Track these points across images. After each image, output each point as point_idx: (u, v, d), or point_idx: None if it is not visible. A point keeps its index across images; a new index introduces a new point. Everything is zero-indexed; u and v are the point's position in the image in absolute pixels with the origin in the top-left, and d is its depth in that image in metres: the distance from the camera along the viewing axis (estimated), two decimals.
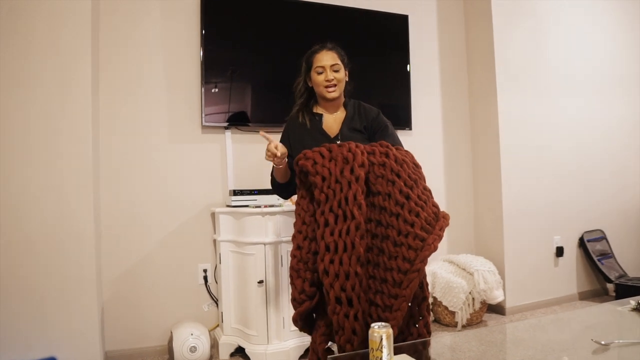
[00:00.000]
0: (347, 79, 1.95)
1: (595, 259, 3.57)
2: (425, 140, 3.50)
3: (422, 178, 1.69)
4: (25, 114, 2.18)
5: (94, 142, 2.38)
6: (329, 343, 1.65)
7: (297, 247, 1.66)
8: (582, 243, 3.63)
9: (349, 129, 1.90)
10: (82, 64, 2.29)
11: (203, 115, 2.78)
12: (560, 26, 3.63)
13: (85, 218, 2.27)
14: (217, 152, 2.89)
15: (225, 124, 2.86)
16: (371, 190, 1.63)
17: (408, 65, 3.36)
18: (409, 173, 1.63)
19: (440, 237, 1.54)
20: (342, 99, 1.97)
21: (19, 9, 2.17)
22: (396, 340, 1.48)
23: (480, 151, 3.58)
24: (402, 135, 3.36)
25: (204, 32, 2.78)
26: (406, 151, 1.74)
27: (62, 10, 2.25)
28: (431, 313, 3.11)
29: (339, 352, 1.54)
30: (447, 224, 1.59)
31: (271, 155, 1.75)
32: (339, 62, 1.88)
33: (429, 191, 1.66)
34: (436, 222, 1.56)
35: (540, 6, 3.55)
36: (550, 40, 3.59)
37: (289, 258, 1.75)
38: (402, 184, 1.59)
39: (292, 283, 1.66)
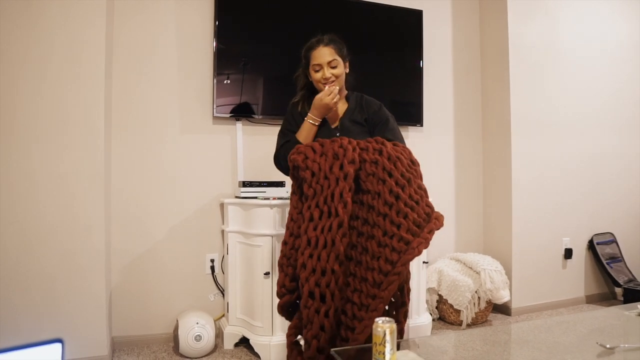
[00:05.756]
0: (348, 71, 1.91)
1: (605, 262, 3.54)
2: (436, 137, 3.48)
3: (418, 176, 1.65)
4: (39, 104, 2.20)
5: (106, 132, 2.40)
6: (298, 337, 1.68)
7: (284, 243, 1.71)
8: (591, 246, 3.60)
9: (350, 120, 1.88)
10: (96, 53, 2.30)
11: (214, 107, 2.79)
12: (575, 22, 3.58)
13: (96, 206, 2.29)
14: (227, 143, 2.90)
15: (237, 116, 2.86)
16: (361, 188, 1.62)
17: (421, 61, 3.34)
18: (402, 171, 1.60)
19: (426, 241, 1.49)
20: (344, 92, 1.94)
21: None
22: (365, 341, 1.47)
23: (492, 149, 3.55)
24: (413, 132, 3.38)
25: (217, 22, 2.78)
26: (403, 147, 1.71)
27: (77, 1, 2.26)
28: (436, 311, 3.11)
29: (305, 346, 1.56)
30: (439, 226, 1.54)
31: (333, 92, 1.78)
32: (337, 56, 1.84)
33: (424, 190, 1.62)
34: (427, 223, 1.53)
35: (556, 2, 3.50)
36: (566, 37, 3.53)
37: None
38: (394, 183, 1.56)
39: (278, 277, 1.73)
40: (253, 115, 2.89)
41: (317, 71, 1.85)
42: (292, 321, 1.70)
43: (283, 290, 1.68)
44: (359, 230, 1.59)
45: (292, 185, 1.72)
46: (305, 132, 1.85)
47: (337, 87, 1.81)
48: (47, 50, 2.21)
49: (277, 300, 2.41)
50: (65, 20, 2.24)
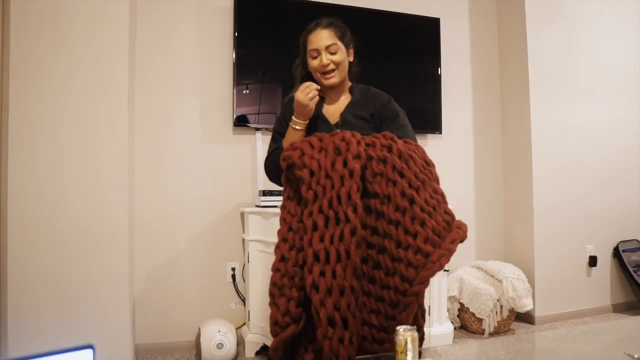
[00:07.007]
0: (352, 59, 1.68)
1: (631, 270, 3.46)
2: (455, 144, 3.47)
3: (433, 178, 1.42)
4: (64, 115, 2.25)
5: (129, 143, 2.45)
6: None
7: (282, 259, 1.40)
8: (617, 253, 3.52)
9: (353, 115, 1.63)
10: (120, 66, 2.35)
11: (234, 116, 2.83)
12: (595, 28, 3.54)
13: (119, 216, 2.33)
14: (247, 152, 2.94)
15: (256, 125, 2.90)
16: (367, 191, 1.36)
17: (439, 69, 3.34)
18: (415, 172, 1.36)
19: (449, 252, 1.26)
20: (347, 84, 1.70)
21: (61, 13, 2.25)
22: None
23: (512, 155, 3.52)
24: (432, 139, 3.37)
25: (236, 34, 2.83)
26: (416, 145, 1.48)
27: (101, 13, 2.31)
28: (457, 319, 3.08)
29: None
30: (462, 236, 1.31)
31: (312, 89, 1.54)
32: (337, 41, 1.60)
33: (441, 195, 1.39)
34: (447, 232, 1.30)
35: (574, 8, 3.46)
36: (585, 42, 3.50)
37: None
38: (406, 184, 1.32)
39: (272, 303, 1.40)
40: (272, 125, 2.92)
41: (314, 57, 1.61)
42: (308, 357, 1.34)
43: (287, 320, 1.32)
44: (368, 240, 1.34)
45: (286, 191, 1.46)
46: (291, 139, 1.59)
47: (316, 84, 1.58)
48: (74, 65, 2.27)
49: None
50: (91, 36, 2.30)
